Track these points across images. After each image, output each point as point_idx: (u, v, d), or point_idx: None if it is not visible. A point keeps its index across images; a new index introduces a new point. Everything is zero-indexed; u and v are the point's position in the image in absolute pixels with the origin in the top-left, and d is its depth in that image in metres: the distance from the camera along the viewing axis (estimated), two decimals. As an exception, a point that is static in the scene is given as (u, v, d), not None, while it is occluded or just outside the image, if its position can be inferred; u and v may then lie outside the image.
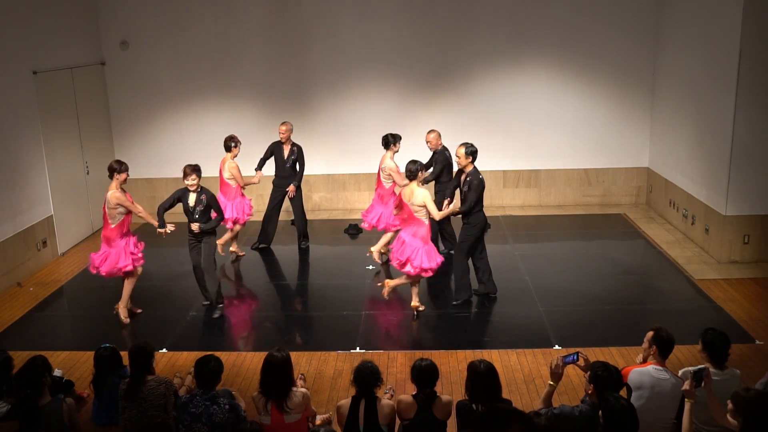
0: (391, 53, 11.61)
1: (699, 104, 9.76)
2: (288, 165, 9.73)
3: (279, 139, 9.77)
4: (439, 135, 9.24)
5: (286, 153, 9.72)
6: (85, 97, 11.05)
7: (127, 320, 7.78)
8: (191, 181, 7.56)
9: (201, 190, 7.66)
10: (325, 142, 11.88)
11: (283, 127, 9.72)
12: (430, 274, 7.58)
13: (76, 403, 5.91)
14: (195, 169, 7.62)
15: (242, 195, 9.50)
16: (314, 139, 11.81)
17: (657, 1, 11.16)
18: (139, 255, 7.76)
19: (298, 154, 9.77)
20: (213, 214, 7.73)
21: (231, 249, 9.82)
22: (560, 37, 11.43)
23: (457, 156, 7.87)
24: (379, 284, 8.14)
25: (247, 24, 11.56)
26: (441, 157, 9.19)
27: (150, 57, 11.71)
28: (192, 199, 7.62)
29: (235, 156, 9.34)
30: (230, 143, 9.29)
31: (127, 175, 7.59)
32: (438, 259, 7.55)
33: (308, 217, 11.01)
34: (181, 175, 7.73)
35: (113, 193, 7.47)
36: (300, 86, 11.78)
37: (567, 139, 11.82)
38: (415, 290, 7.77)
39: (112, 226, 7.56)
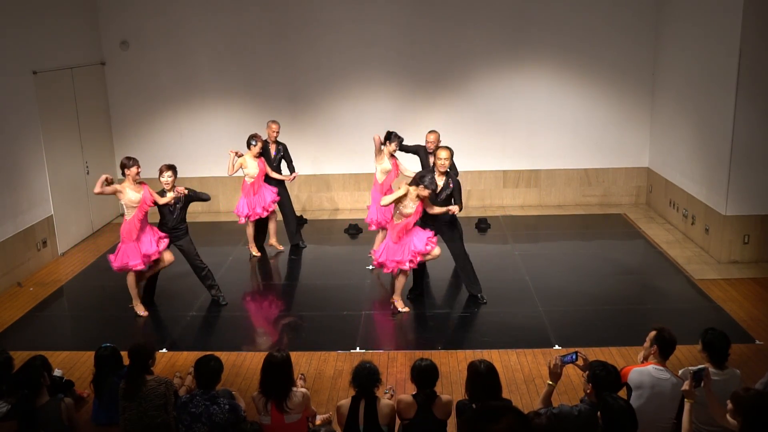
0: (391, 53, 11.61)
1: (699, 104, 9.76)
2: (275, 164, 9.73)
3: (266, 138, 9.66)
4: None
5: (273, 152, 9.71)
6: (85, 97, 11.04)
7: (146, 313, 7.95)
8: (166, 178, 7.73)
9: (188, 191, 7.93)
10: (324, 143, 11.88)
11: (275, 126, 9.68)
12: (386, 269, 7.67)
13: (76, 403, 5.92)
14: (170, 167, 7.79)
15: (256, 192, 9.48)
16: (313, 139, 11.81)
17: (657, 1, 11.16)
18: (154, 254, 7.75)
19: (284, 151, 9.78)
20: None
21: (270, 242, 9.91)
22: (560, 37, 11.42)
23: (442, 159, 7.65)
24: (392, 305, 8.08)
25: (247, 24, 11.55)
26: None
27: (150, 57, 11.71)
28: (170, 197, 7.87)
29: (256, 155, 9.34)
30: (250, 141, 9.33)
31: (139, 168, 7.66)
32: (398, 257, 7.55)
33: (310, 217, 11.04)
34: (180, 175, 7.81)
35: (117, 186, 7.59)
36: (299, 86, 11.78)
37: (567, 139, 11.82)
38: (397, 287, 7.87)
39: (127, 219, 7.67)
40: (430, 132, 9.10)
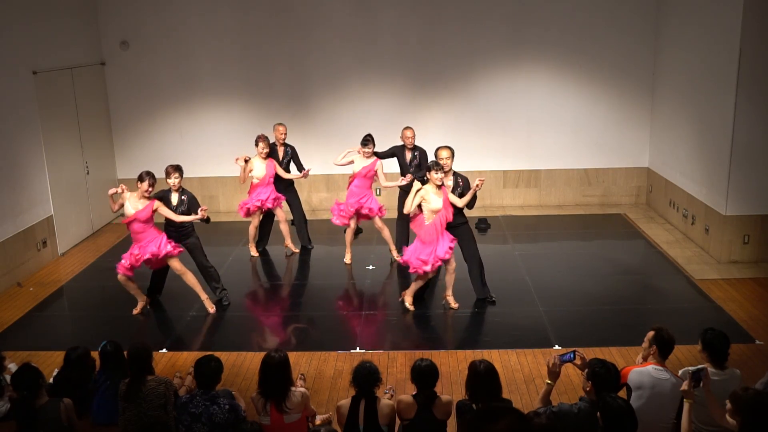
0: (391, 53, 11.61)
1: (699, 104, 9.76)
2: (282, 167, 9.68)
3: (274, 141, 9.67)
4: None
5: (281, 154, 9.68)
6: (85, 97, 11.05)
7: (138, 311, 8.00)
8: (174, 180, 7.74)
9: (182, 191, 7.91)
10: (324, 143, 11.87)
11: (282, 128, 9.67)
12: (411, 269, 7.62)
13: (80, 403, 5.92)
14: (177, 169, 7.79)
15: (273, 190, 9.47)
16: (314, 140, 11.81)
17: (657, 1, 11.16)
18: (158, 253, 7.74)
19: (292, 154, 9.77)
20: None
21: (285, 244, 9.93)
22: (560, 37, 11.43)
23: (444, 159, 7.71)
24: (400, 299, 8.10)
25: (247, 24, 11.56)
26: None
27: (150, 57, 11.72)
28: (174, 199, 7.86)
29: (264, 156, 9.30)
30: (257, 142, 9.31)
31: (150, 188, 7.62)
32: (424, 257, 7.51)
33: (308, 217, 11.03)
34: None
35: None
36: (299, 86, 11.78)
37: (567, 139, 11.82)
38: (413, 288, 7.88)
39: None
40: (406, 128, 9.19)
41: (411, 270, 7.67)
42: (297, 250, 9.94)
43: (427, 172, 7.49)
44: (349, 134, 11.84)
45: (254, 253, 9.84)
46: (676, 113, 10.62)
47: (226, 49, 11.66)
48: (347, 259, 9.42)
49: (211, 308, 8.01)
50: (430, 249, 7.50)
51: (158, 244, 7.69)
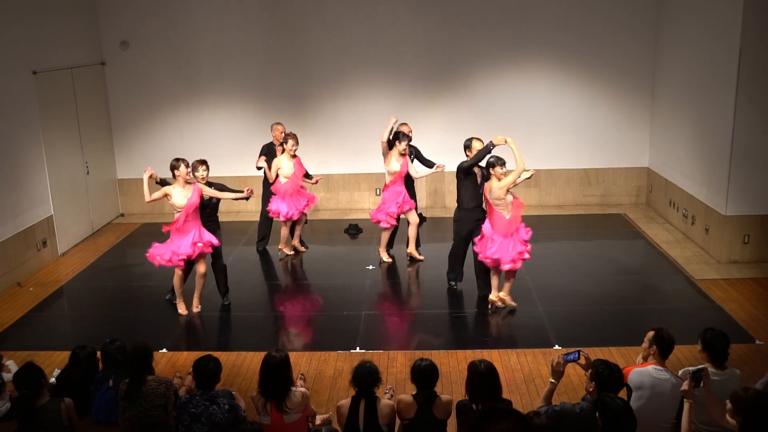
0: (392, 53, 11.61)
1: (699, 104, 9.76)
2: None
3: (272, 140, 9.66)
4: None
5: (279, 154, 9.61)
6: (85, 97, 11.04)
7: (186, 312, 7.93)
8: (202, 172, 7.73)
9: (209, 184, 7.89)
10: (324, 142, 11.88)
11: (281, 127, 9.66)
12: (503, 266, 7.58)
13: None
14: (203, 162, 7.81)
15: (293, 193, 9.41)
16: (314, 139, 11.79)
17: (657, 1, 11.17)
18: (183, 255, 7.67)
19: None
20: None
21: (292, 243, 9.87)
22: (560, 37, 11.43)
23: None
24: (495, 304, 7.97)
25: (247, 24, 11.56)
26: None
27: (150, 57, 11.71)
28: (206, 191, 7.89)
29: (292, 154, 9.24)
30: (285, 140, 9.27)
31: (188, 168, 7.61)
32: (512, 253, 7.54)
33: (308, 217, 11.05)
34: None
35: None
36: (300, 86, 11.78)
37: (567, 139, 11.82)
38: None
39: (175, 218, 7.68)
40: (403, 124, 9.27)
41: (503, 267, 7.57)
42: (291, 252, 9.90)
43: (490, 169, 7.58)
44: (349, 134, 11.88)
45: (289, 251, 9.78)
46: (676, 113, 10.62)
47: (226, 49, 11.65)
48: (387, 258, 9.38)
49: (184, 311, 7.96)
50: (515, 242, 7.49)
51: (205, 233, 7.73)
